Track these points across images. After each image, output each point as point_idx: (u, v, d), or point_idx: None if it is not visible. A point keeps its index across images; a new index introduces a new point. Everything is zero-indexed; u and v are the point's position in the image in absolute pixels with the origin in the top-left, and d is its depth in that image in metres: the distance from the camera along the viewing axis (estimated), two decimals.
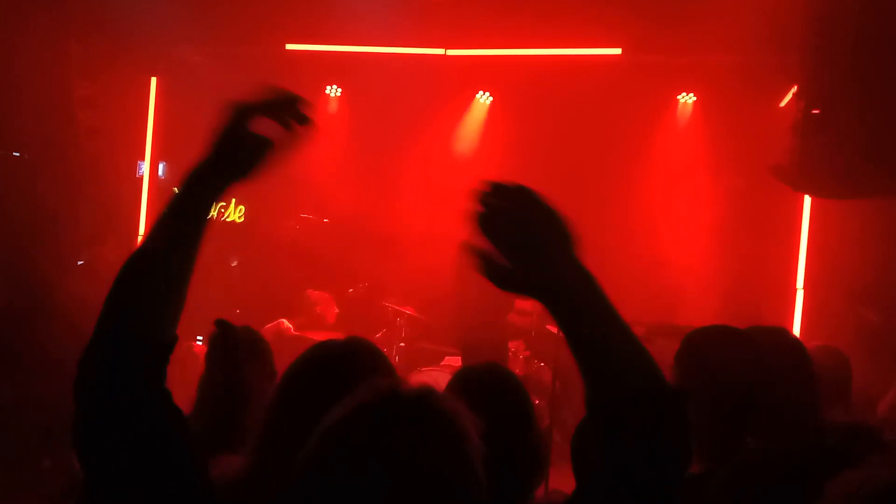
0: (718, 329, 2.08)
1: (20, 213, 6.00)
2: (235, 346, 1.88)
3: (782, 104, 6.38)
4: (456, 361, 6.51)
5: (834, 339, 5.37)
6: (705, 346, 2.04)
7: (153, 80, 7.15)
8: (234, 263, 7.86)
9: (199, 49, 7.14)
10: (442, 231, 7.20)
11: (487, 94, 7.69)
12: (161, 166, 7.66)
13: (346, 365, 1.63)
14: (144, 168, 7.34)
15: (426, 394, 1.10)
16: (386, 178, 7.57)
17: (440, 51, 6.64)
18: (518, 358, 6.80)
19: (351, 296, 7.33)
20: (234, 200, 7.79)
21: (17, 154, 6.53)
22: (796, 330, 6.07)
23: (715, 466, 1.91)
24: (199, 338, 7.24)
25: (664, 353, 2.12)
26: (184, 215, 1.33)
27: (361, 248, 7.63)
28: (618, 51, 6.31)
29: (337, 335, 6.90)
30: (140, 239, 7.11)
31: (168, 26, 6.23)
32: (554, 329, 6.42)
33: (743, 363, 1.98)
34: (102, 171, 6.82)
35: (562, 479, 5.50)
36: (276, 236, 7.83)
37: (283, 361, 1.79)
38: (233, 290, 7.33)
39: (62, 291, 6.14)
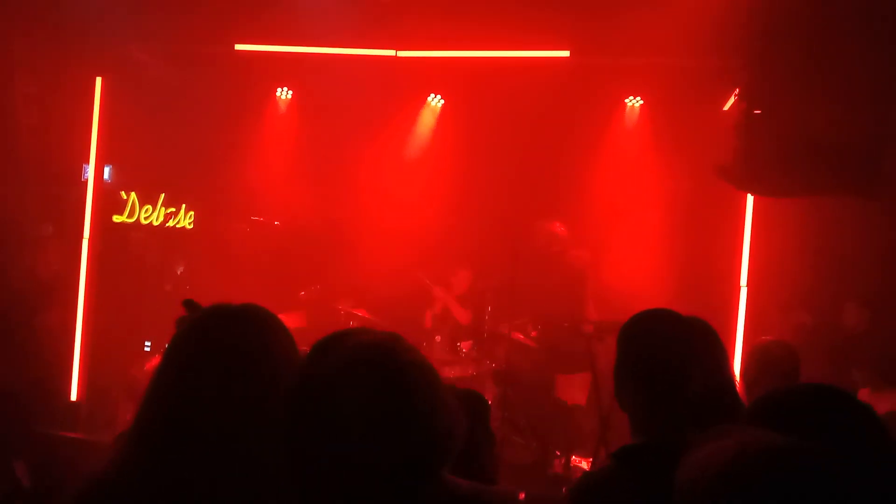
0: (651, 312, 2.17)
1: None
2: None
3: (726, 107, 6.54)
4: None
5: (778, 331, 5.55)
6: (639, 328, 2.14)
7: (98, 80, 6.98)
8: (180, 270, 7.74)
9: (146, 48, 7.01)
10: (394, 233, 7.21)
11: (438, 97, 7.72)
12: (107, 170, 7.49)
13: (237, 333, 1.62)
14: (89, 171, 7.16)
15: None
16: (338, 180, 7.54)
17: (391, 52, 6.64)
18: (468, 357, 6.83)
19: (303, 298, 7.27)
20: (184, 206, 7.66)
21: None
22: (740, 326, 6.22)
23: (653, 440, 2.01)
24: (147, 343, 7.10)
25: (613, 351, 2.20)
26: None
27: (313, 251, 7.58)
28: (566, 53, 6.38)
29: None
30: (85, 242, 6.97)
31: (114, 23, 6.10)
32: (505, 330, 6.47)
33: (674, 343, 2.07)
34: (46, 173, 6.65)
35: (523, 477, 5.56)
36: (226, 239, 7.73)
37: None
38: (181, 296, 7.18)
39: (4, 296, 5.98)
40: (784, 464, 1.11)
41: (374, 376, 1.13)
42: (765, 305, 6.27)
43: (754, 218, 6.37)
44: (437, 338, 6.98)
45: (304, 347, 1.53)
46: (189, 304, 1.72)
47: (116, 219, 7.46)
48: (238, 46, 6.78)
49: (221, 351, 1.58)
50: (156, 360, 1.79)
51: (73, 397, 6.73)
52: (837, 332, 6.13)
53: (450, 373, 6.56)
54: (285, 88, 7.86)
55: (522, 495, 4.95)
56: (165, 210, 7.61)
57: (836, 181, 4.80)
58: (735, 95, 5.99)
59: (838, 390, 1.53)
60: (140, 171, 7.59)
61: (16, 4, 6.03)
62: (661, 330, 2.10)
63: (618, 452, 2.02)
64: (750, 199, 6.35)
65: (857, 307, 6.11)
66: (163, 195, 7.59)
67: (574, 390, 6.40)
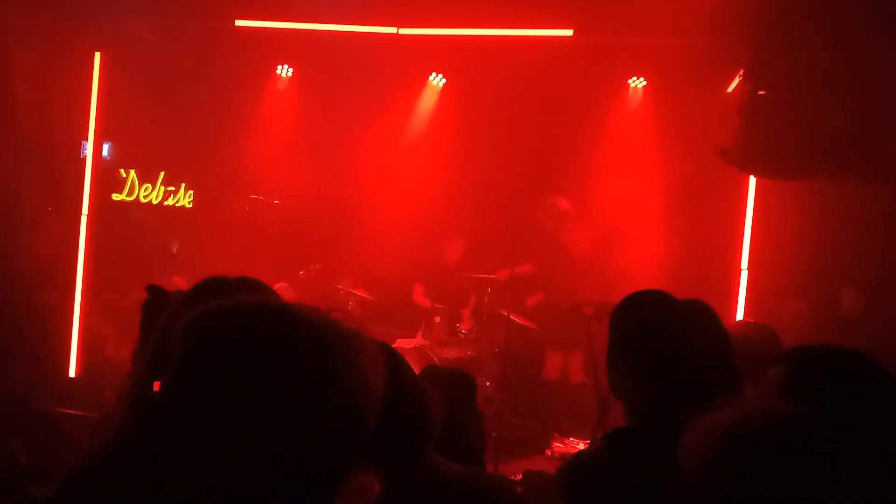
0: (643, 293, 2.14)
1: None
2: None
3: (729, 89, 6.49)
4: (407, 343, 6.51)
5: (776, 318, 5.53)
6: (631, 309, 2.11)
7: (97, 56, 6.91)
8: (175, 248, 7.72)
9: (146, 23, 6.94)
10: (394, 212, 7.19)
11: (440, 75, 7.66)
12: (106, 147, 7.45)
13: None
14: (88, 148, 7.12)
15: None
16: (338, 158, 7.51)
17: (392, 29, 6.57)
18: (467, 339, 6.83)
19: (302, 278, 7.26)
20: (183, 185, 7.63)
21: None
22: (740, 309, 6.21)
23: (646, 423, 1.99)
24: None
25: None
26: None
27: (313, 230, 7.56)
28: (569, 32, 6.32)
29: None
30: (84, 220, 6.94)
31: None
32: (504, 312, 6.46)
33: (666, 324, 2.04)
34: (44, 149, 6.61)
35: (521, 457, 5.57)
36: (226, 218, 7.70)
37: None
38: (178, 275, 7.18)
39: (2, 273, 5.97)
40: (783, 432, 1.12)
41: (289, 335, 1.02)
42: (765, 289, 6.25)
43: (756, 201, 6.35)
44: (437, 319, 6.98)
45: None
46: (152, 289, 1.69)
47: (116, 197, 7.43)
48: (238, 22, 6.71)
49: None
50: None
51: (72, 374, 6.75)
52: (834, 319, 6.12)
53: (449, 354, 6.56)
54: (286, 66, 7.80)
55: (520, 476, 4.96)
56: (165, 188, 7.58)
57: (840, 164, 4.77)
58: (739, 76, 5.94)
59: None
60: (139, 148, 7.55)
61: None
62: (652, 311, 2.08)
63: (610, 434, 2.01)
64: (752, 181, 6.31)
65: (853, 292, 6.09)
66: (162, 173, 7.55)
67: (572, 369, 6.50)
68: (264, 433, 0.99)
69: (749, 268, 6.24)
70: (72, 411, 5.29)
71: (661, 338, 2.03)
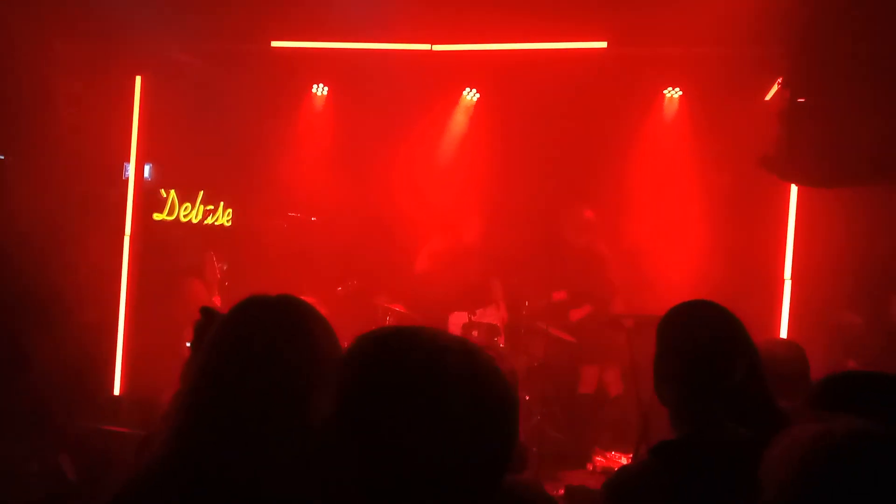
0: (692, 303, 2.11)
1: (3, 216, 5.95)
2: None
3: (767, 97, 6.40)
4: None
5: (823, 330, 5.42)
6: (680, 319, 2.08)
7: (137, 79, 7.07)
8: (225, 267, 7.82)
9: (184, 47, 7.08)
10: (431, 227, 7.20)
11: (474, 90, 7.68)
12: (147, 168, 7.60)
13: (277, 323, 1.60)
14: (130, 170, 7.27)
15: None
16: (374, 175, 7.55)
17: (426, 46, 6.61)
18: (506, 353, 6.78)
19: (340, 294, 7.29)
20: (222, 203, 7.73)
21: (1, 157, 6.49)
22: (784, 320, 6.09)
23: (691, 436, 1.96)
24: (189, 343, 7.18)
25: (653, 345, 2.13)
26: None
27: (350, 246, 7.60)
28: (603, 44, 6.29)
29: None
30: (126, 240, 7.08)
31: (153, 24, 6.17)
32: (542, 325, 6.42)
33: (716, 334, 2.02)
34: (88, 172, 6.76)
35: (562, 471, 5.51)
36: (264, 236, 7.79)
37: None
38: (222, 292, 7.28)
39: (47, 293, 6.09)
40: (865, 447, 1.14)
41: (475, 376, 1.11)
42: (810, 300, 6.12)
43: (799, 209, 6.24)
44: (475, 333, 6.95)
45: None
46: (205, 312, 1.73)
47: (156, 217, 7.55)
48: (274, 43, 6.81)
49: (261, 340, 1.57)
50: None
51: (116, 392, 6.86)
52: (886, 330, 5.96)
53: None
54: (321, 85, 7.89)
55: (562, 491, 4.91)
56: (204, 207, 7.69)
57: (884, 171, 4.66)
58: (778, 84, 5.85)
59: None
60: (179, 169, 7.67)
61: (56, 5, 6.13)
62: (702, 321, 2.04)
63: (655, 448, 1.98)
64: (794, 190, 6.21)
65: None
66: (202, 193, 7.66)
67: (609, 382, 6.48)
68: (427, 454, 1.06)
69: (793, 278, 6.12)
70: (117, 429, 5.37)
71: (709, 347, 2.00)
